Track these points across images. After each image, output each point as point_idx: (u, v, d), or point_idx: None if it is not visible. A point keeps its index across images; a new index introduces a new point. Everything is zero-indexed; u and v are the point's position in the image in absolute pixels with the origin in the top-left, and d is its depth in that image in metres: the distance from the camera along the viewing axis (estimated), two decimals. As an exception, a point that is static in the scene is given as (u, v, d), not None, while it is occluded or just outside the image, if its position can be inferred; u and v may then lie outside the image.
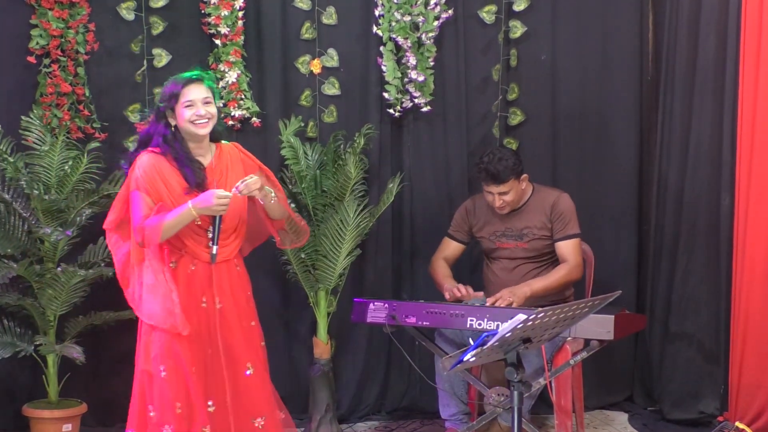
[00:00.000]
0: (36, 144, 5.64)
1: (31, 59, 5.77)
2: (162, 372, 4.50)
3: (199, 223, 4.52)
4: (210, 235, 4.56)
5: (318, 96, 6.17)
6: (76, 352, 5.43)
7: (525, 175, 5.54)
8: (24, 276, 5.51)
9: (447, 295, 5.50)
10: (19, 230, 5.64)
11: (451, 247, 5.81)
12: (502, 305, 5.21)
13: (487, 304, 5.29)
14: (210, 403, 4.56)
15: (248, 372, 4.63)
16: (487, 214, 5.67)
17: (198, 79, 4.58)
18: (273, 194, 4.63)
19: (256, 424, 4.63)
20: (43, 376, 5.67)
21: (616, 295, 4.00)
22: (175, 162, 4.56)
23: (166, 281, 4.49)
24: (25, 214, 5.60)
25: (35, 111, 5.74)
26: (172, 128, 4.58)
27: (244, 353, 4.63)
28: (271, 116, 6.10)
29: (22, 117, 5.68)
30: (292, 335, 6.29)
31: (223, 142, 4.76)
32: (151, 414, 4.51)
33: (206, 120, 4.54)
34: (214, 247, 4.53)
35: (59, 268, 5.51)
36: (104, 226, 4.75)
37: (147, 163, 4.54)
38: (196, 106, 4.53)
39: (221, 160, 4.67)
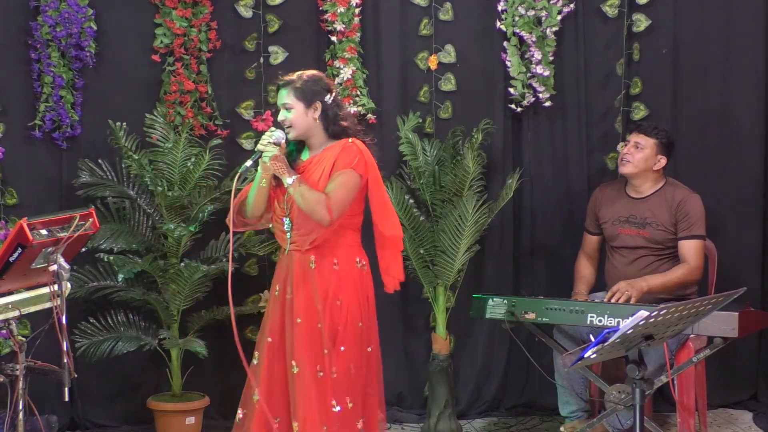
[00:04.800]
0: (160, 141, 5.74)
1: (156, 58, 5.89)
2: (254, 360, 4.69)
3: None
4: (284, 227, 4.61)
5: (435, 92, 6.17)
6: (198, 346, 5.53)
7: (664, 158, 5.50)
8: (148, 271, 5.62)
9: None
10: (143, 226, 5.77)
11: (588, 241, 5.80)
12: (621, 300, 5.16)
13: (605, 299, 5.25)
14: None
15: (294, 371, 4.55)
16: (614, 199, 5.63)
17: (284, 84, 4.59)
18: (288, 183, 4.52)
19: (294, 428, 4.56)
20: (167, 370, 5.78)
21: (740, 291, 3.94)
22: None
23: None
24: (149, 210, 5.72)
25: (159, 109, 5.84)
26: None
27: (296, 351, 4.56)
28: (388, 113, 6.12)
29: (147, 114, 5.79)
30: (411, 331, 6.30)
31: (348, 139, 4.62)
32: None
33: (287, 126, 4.56)
34: (286, 221, 4.60)
35: (182, 264, 5.61)
36: None
37: None
38: (280, 111, 4.59)
39: (320, 158, 4.60)
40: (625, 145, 5.58)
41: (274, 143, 4.49)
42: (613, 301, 5.18)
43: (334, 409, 4.50)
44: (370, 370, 4.68)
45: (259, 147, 4.49)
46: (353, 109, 5.98)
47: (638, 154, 5.49)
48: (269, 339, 4.63)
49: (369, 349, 4.66)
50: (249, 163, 4.50)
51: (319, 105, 4.56)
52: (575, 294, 5.61)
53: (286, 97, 4.56)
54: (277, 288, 4.63)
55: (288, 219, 4.58)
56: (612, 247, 5.64)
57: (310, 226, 4.54)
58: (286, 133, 4.56)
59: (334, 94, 4.62)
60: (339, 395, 4.52)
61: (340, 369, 4.54)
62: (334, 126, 4.60)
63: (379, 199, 4.62)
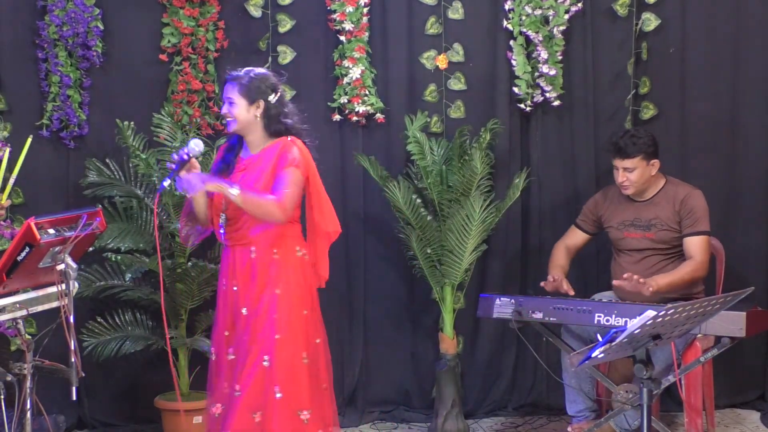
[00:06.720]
0: (167, 140, 5.75)
1: (163, 57, 5.89)
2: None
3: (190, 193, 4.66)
4: (220, 222, 4.71)
5: (444, 91, 6.17)
6: (206, 346, 5.53)
7: (656, 161, 5.45)
8: (156, 270, 5.61)
9: (545, 284, 5.48)
10: (150, 225, 5.76)
11: (575, 236, 5.76)
12: (641, 281, 5.11)
13: (625, 276, 5.18)
14: (225, 385, 4.67)
15: (230, 357, 4.69)
16: (617, 203, 5.61)
17: (231, 79, 4.68)
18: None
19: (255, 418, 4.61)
20: (174, 369, 5.78)
21: (748, 291, 3.94)
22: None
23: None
24: (156, 210, 5.72)
25: (166, 108, 5.86)
26: None
27: (239, 340, 4.65)
28: (396, 112, 6.12)
29: (154, 114, 5.80)
30: (419, 330, 6.30)
31: (287, 137, 4.71)
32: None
33: (229, 120, 4.67)
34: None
35: (190, 263, 5.61)
36: None
37: (220, 150, 4.91)
38: (224, 104, 4.69)
39: (261, 154, 4.69)
40: (616, 171, 5.52)
41: (188, 157, 4.55)
42: (633, 279, 5.14)
43: (276, 395, 4.56)
44: (318, 362, 4.74)
45: (172, 166, 4.56)
46: (362, 109, 5.99)
47: (633, 176, 5.44)
48: (226, 333, 4.70)
49: (318, 341, 4.74)
50: (167, 182, 4.61)
51: (262, 103, 4.66)
52: (552, 277, 5.53)
53: (230, 92, 4.65)
54: (224, 282, 4.73)
55: (224, 215, 4.68)
56: (618, 249, 5.63)
57: (245, 220, 4.63)
58: (202, 145, 4.64)
59: (279, 93, 4.71)
60: (274, 384, 4.57)
61: (275, 357, 4.58)
62: (276, 124, 4.69)
63: (318, 195, 4.72)
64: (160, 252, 5.66)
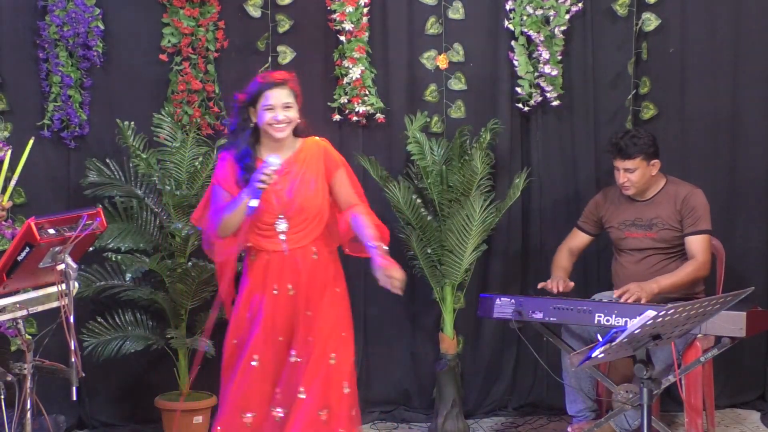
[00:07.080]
0: (167, 140, 5.75)
1: (163, 57, 5.89)
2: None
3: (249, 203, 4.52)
4: (278, 229, 4.60)
5: (444, 91, 6.17)
6: (206, 346, 5.53)
7: (656, 161, 5.47)
8: (156, 270, 5.62)
9: (547, 285, 5.50)
10: (151, 225, 5.77)
11: (577, 238, 5.77)
12: (630, 300, 5.15)
13: (615, 295, 5.23)
14: (278, 390, 4.61)
15: (293, 359, 4.62)
16: (618, 203, 5.62)
17: (281, 84, 4.60)
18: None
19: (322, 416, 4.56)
20: (175, 369, 5.78)
21: (748, 291, 3.94)
22: (234, 160, 4.64)
23: None
24: (156, 210, 5.73)
25: (167, 108, 5.86)
26: (252, 124, 4.63)
27: (302, 341, 4.60)
28: (397, 112, 6.12)
29: (154, 114, 5.80)
30: (419, 330, 6.30)
31: (315, 137, 4.73)
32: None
33: (284, 125, 4.57)
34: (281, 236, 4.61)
35: (190, 263, 5.61)
36: (190, 219, 4.98)
37: (225, 159, 4.68)
38: (276, 110, 4.56)
39: (299, 157, 4.67)
40: (617, 172, 5.52)
41: (275, 172, 4.51)
42: (622, 300, 5.16)
43: (344, 391, 4.58)
44: None
45: (264, 185, 4.46)
46: (362, 109, 5.99)
47: (634, 177, 5.45)
48: (280, 338, 4.61)
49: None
50: (254, 202, 4.46)
51: (299, 105, 4.66)
52: (554, 279, 5.57)
53: (286, 96, 4.58)
54: (274, 287, 4.62)
55: (285, 222, 4.60)
56: (619, 249, 5.63)
57: (308, 223, 4.61)
58: (278, 160, 4.55)
59: None
60: (343, 380, 4.58)
61: (342, 354, 4.60)
62: (302, 125, 4.69)
63: None
64: (161, 251, 5.71)
